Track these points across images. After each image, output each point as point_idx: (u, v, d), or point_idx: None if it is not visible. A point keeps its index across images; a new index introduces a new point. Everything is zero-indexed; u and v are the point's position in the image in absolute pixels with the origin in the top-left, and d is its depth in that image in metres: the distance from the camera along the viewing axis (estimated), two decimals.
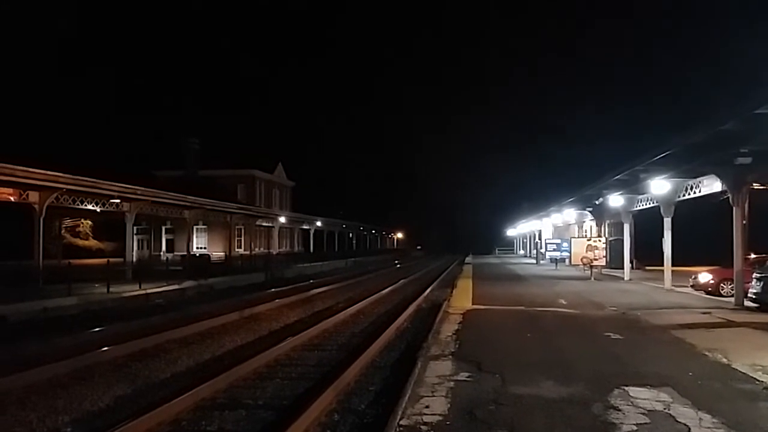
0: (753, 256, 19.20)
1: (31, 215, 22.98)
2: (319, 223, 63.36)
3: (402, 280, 29.86)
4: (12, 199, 22.00)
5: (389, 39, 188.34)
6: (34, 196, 22.59)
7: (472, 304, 17.41)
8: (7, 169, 19.75)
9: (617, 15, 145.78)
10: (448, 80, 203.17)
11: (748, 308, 15.77)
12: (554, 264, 40.65)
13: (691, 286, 20.85)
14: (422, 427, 6.10)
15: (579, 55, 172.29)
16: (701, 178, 19.25)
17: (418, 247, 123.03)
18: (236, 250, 46.26)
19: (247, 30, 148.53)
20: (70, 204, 25.75)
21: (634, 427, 6.02)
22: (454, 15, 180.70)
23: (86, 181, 24.09)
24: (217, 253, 44.05)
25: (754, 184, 17.16)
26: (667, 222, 21.37)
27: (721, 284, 19.13)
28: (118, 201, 27.68)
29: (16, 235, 28.01)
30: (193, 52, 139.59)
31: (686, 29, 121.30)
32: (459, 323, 13.35)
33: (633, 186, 23.28)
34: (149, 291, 22.03)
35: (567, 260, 36.58)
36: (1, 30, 75.22)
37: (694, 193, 20.15)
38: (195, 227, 41.69)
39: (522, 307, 16.52)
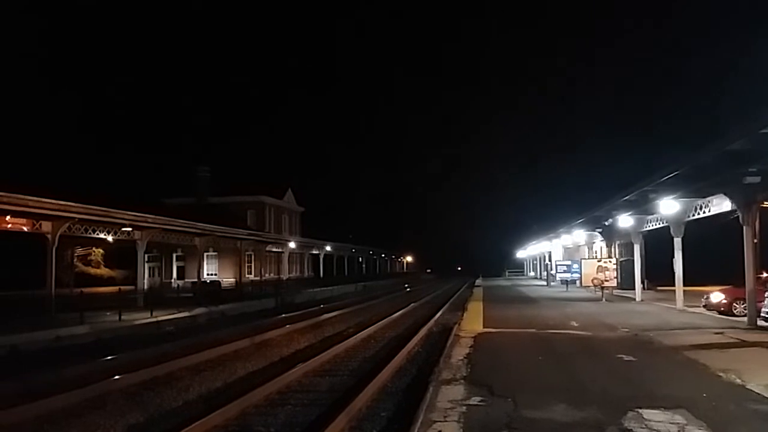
0: (765, 275, 19.06)
1: (44, 245, 23.20)
2: (328, 248, 63.43)
3: (412, 304, 29.80)
4: (25, 229, 22.26)
5: (398, 61, 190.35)
6: (46, 226, 22.84)
7: (483, 327, 17.34)
8: (20, 200, 20.01)
9: (624, 37, 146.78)
10: (456, 103, 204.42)
11: (762, 328, 15.62)
12: (565, 286, 40.40)
13: (704, 306, 20.67)
14: None
15: (586, 78, 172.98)
16: (710, 197, 19.20)
17: (428, 271, 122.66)
18: (246, 276, 46.33)
19: (255, 57, 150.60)
20: (82, 233, 25.98)
21: None
22: (459, 40, 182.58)
23: (98, 210, 24.33)
24: (228, 280, 44.12)
25: (765, 203, 17.10)
26: (678, 242, 21.29)
27: (734, 304, 18.95)
28: (130, 229, 27.92)
29: (29, 264, 28.24)
30: (202, 81, 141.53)
31: (694, 49, 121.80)
32: (470, 347, 13.29)
33: (642, 206, 23.23)
34: (160, 318, 22.09)
35: (578, 282, 36.35)
36: (5, 57, 76.55)
37: (704, 212, 20.08)
38: (205, 254, 41.80)
39: (533, 330, 16.43)
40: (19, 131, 69.79)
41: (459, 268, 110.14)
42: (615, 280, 28.79)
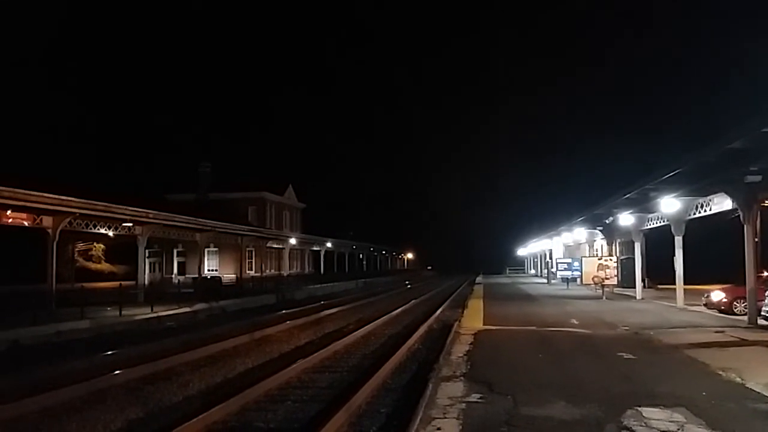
0: (766, 273, 19.05)
1: (45, 239, 23.22)
2: (329, 245, 63.43)
3: (413, 301, 29.81)
4: (26, 223, 22.28)
5: (401, 59, 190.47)
6: (47, 221, 22.85)
7: (483, 324, 17.35)
8: (22, 195, 19.99)
9: (628, 37, 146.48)
10: (459, 101, 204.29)
11: (762, 326, 15.62)
12: (565, 283, 40.38)
13: (704, 305, 20.67)
14: None
15: (588, 78, 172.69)
16: (711, 196, 19.19)
17: (429, 268, 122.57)
18: (247, 272, 46.30)
19: (258, 53, 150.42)
20: (83, 228, 26.01)
21: None
22: (462, 38, 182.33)
23: (99, 205, 24.34)
24: (229, 276, 44.13)
25: (765, 202, 17.08)
26: (678, 240, 21.28)
27: (734, 302, 18.94)
28: (131, 224, 27.95)
29: (29, 259, 28.26)
30: (203, 77, 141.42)
31: (696, 49, 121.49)
32: (470, 344, 13.31)
33: (643, 205, 23.22)
34: (161, 314, 22.10)
35: (578, 279, 36.30)
36: (8, 57, 76.51)
37: (705, 211, 20.07)
38: (206, 250, 41.81)
39: (533, 328, 16.44)
40: (23, 129, 69.87)
41: (459, 266, 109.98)
42: (615, 278, 28.81)
